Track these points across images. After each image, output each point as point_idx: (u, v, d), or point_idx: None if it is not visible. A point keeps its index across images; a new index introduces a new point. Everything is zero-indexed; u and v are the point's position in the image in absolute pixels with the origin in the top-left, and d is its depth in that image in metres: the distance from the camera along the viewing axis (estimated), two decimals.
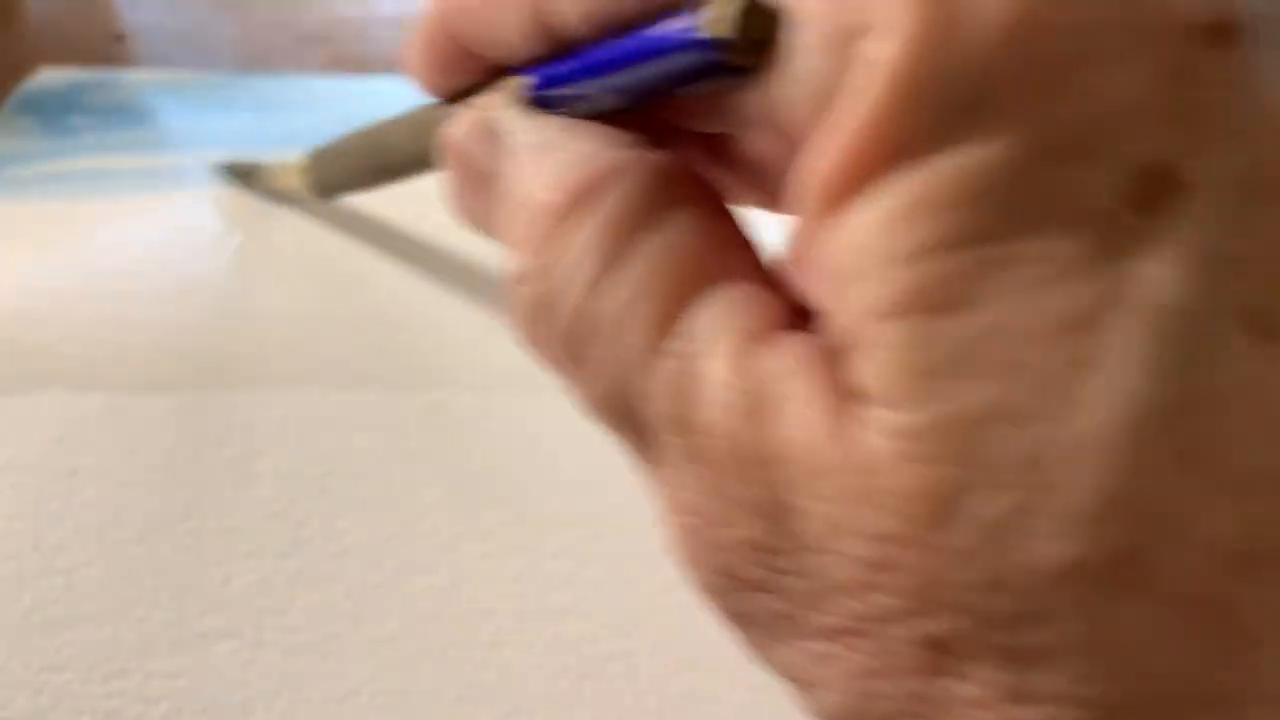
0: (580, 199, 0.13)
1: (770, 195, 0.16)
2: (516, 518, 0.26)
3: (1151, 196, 0.10)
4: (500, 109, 0.15)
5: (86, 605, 0.24)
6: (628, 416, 0.13)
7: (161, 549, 0.25)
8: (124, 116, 0.38)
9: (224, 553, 0.25)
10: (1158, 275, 0.10)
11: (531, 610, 0.24)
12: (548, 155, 0.14)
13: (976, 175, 0.10)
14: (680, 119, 0.14)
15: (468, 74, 0.16)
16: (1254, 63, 0.10)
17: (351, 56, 0.42)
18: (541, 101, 0.15)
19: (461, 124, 0.16)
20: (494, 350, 0.29)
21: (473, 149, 0.16)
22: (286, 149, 0.32)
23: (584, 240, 0.13)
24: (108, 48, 0.44)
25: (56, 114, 0.38)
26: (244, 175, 0.34)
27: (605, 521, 0.26)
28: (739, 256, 0.13)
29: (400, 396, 0.28)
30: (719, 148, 0.16)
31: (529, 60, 0.15)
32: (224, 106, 0.38)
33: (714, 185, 0.14)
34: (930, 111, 0.10)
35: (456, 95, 0.17)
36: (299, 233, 0.33)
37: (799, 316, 0.13)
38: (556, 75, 0.15)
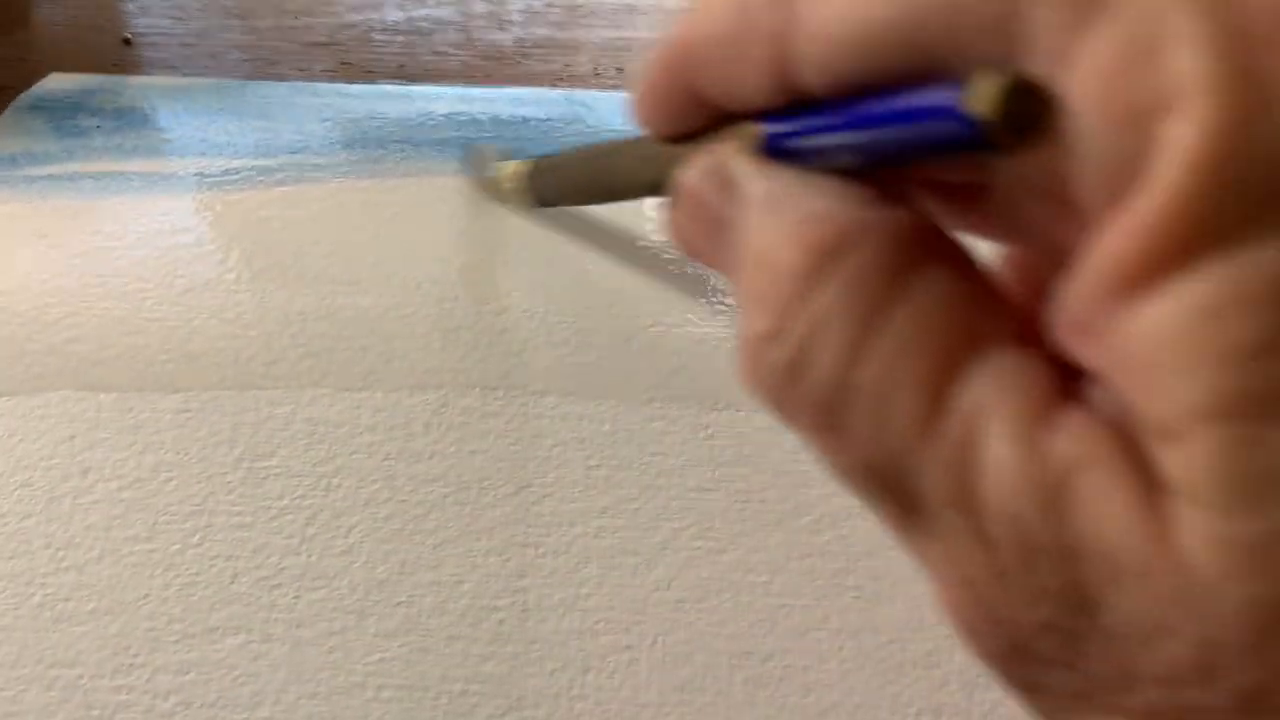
0: (826, 258, 0.13)
1: (1025, 247, 0.15)
2: (519, 515, 0.26)
3: None
4: (734, 156, 0.15)
5: (96, 601, 0.24)
6: (893, 489, 0.13)
7: (170, 546, 0.25)
8: (132, 121, 0.38)
9: (232, 549, 0.25)
10: None
11: (534, 605, 0.24)
12: (785, 209, 0.14)
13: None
14: (927, 170, 0.14)
15: (693, 118, 0.16)
16: None
17: (358, 63, 0.42)
18: (775, 152, 0.15)
19: (696, 167, 0.16)
20: (498, 350, 0.30)
21: (706, 194, 0.15)
22: (293, 156, 0.32)
23: (833, 303, 0.13)
24: (115, 53, 0.44)
25: (66, 116, 0.39)
26: (478, 160, 0.34)
27: (606, 519, 0.26)
28: (999, 318, 0.13)
29: (405, 396, 0.28)
30: (965, 195, 0.15)
31: (765, 111, 0.15)
32: (231, 113, 0.38)
33: (961, 243, 0.14)
34: (1241, 199, 0.10)
35: (682, 136, 0.17)
36: (301, 234, 0.33)
37: (1065, 382, 0.12)
38: (794, 128, 0.14)
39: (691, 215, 0.16)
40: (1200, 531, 0.10)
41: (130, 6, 0.48)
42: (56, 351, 0.30)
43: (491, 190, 0.33)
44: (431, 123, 0.36)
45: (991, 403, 0.12)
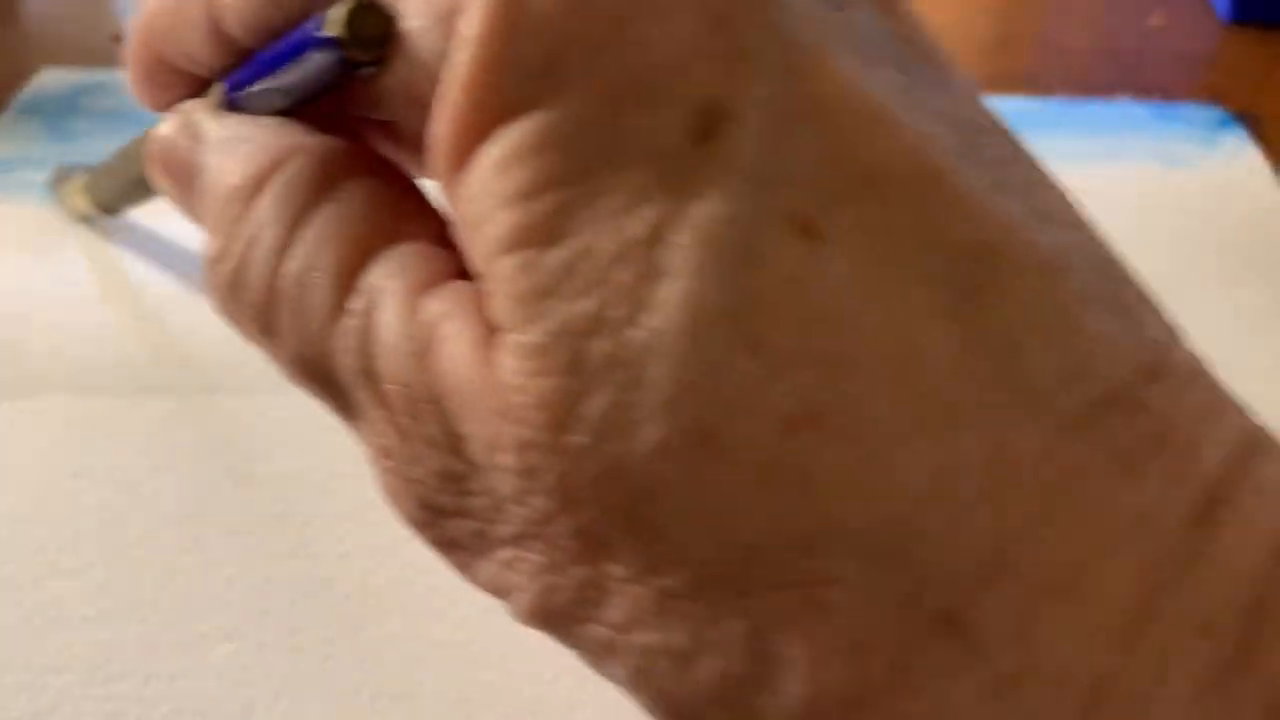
0: (260, 177, 0.15)
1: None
2: None
3: (706, 129, 0.12)
4: (197, 111, 0.17)
5: (88, 607, 0.24)
6: (322, 378, 0.14)
7: (163, 551, 0.25)
8: (125, 120, 0.38)
9: (226, 555, 0.25)
10: (712, 193, 0.11)
11: None
12: (236, 146, 0.15)
13: (560, 124, 0.12)
14: (352, 108, 0.15)
15: (181, 88, 0.18)
16: (785, 4, 0.12)
17: None
18: (235, 104, 0.16)
19: (164, 126, 0.17)
20: None
21: (174, 147, 0.17)
22: None
23: (263, 215, 0.15)
24: (106, 49, 0.44)
25: (59, 118, 0.38)
26: (59, 185, 0.34)
27: None
28: (416, 220, 0.15)
29: None
30: (392, 129, 0.17)
31: (224, 69, 0.16)
32: None
33: (392, 161, 0.16)
34: (514, 74, 0.12)
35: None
36: None
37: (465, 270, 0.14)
38: (238, 80, 0.16)
39: (166, 171, 0.17)
40: (507, 349, 0.12)
41: (120, 3, 0.48)
42: (48, 355, 0.30)
43: (70, 210, 0.33)
44: None
45: (388, 284, 0.14)
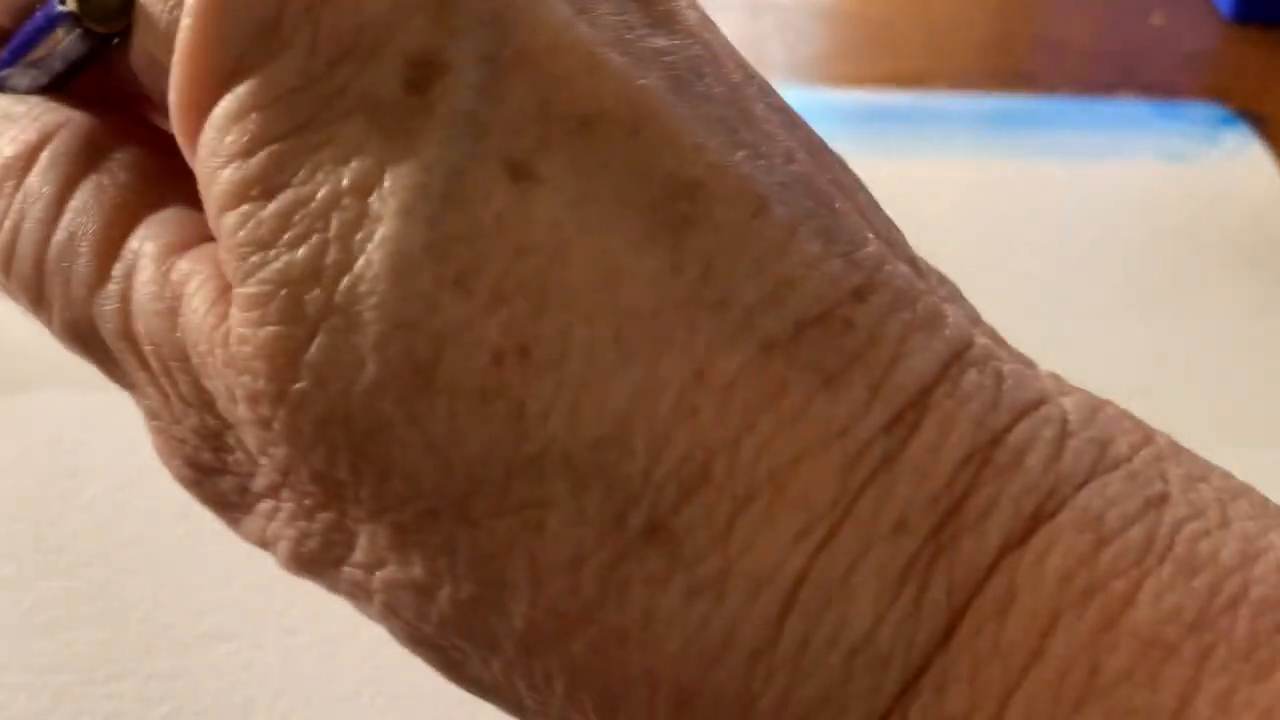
0: (28, 155, 0.15)
1: None
2: None
3: (421, 80, 0.12)
4: None
5: (86, 606, 0.24)
6: (91, 345, 0.15)
7: (161, 550, 0.25)
8: None
9: (223, 554, 0.25)
10: (424, 142, 0.12)
11: None
12: (4, 125, 0.16)
13: (277, 83, 0.12)
14: (113, 82, 0.16)
15: None
16: None
17: None
18: (4, 85, 0.17)
19: None
20: None
21: None
22: None
23: (32, 188, 0.15)
24: None
25: None
26: None
27: None
28: (180, 186, 0.15)
29: None
30: (153, 99, 0.17)
31: None
32: None
33: (160, 130, 0.16)
34: (233, 39, 0.12)
35: None
36: None
37: None
38: None
39: None
40: (235, 303, 0.12)
41: None
42: (43, 351, 0.30)
43: None
44: None
45: (147, 248, 0.14)
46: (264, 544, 0.14)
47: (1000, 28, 0.49)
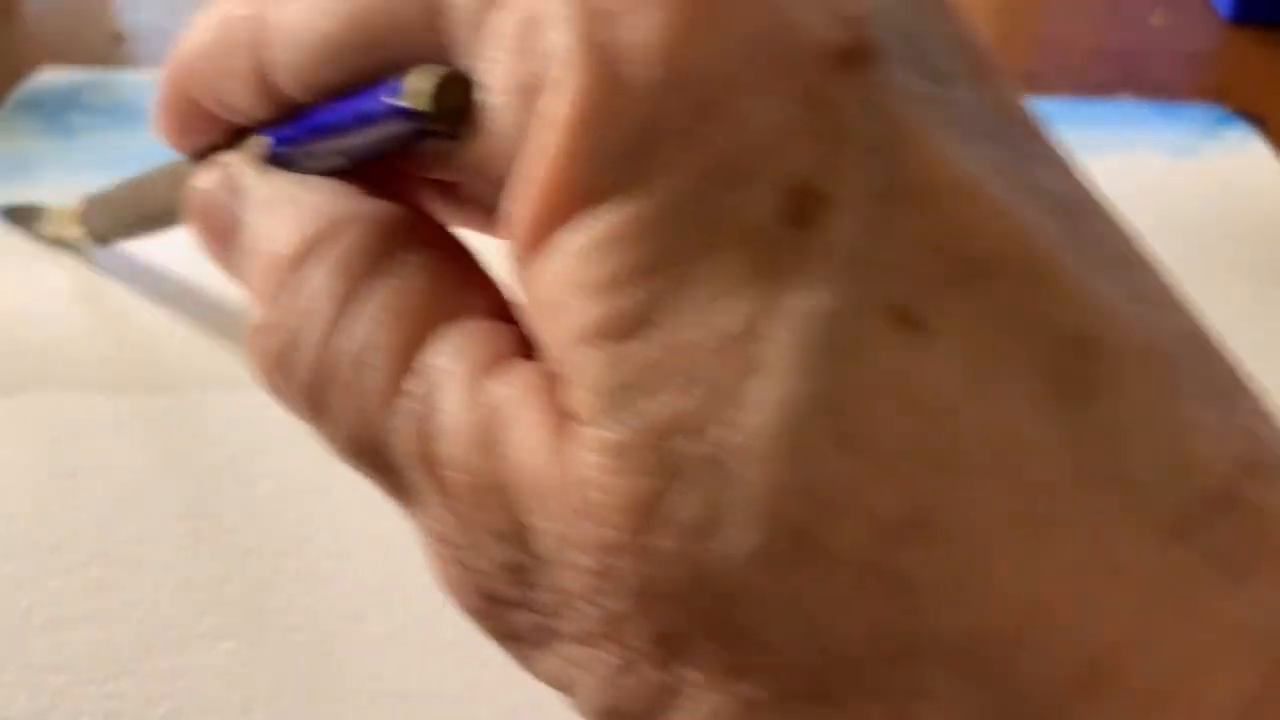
0: (313, 247, 0.14)
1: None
2: None
3: (802, 213, 0.11)
4: (240, 164, 0.16)
5: (86, 605, 0.24)
6: (376, 460, 0.14)
7: (160, 549, 0.25)
8: (123, 117, 0.38)
9: (223, 552, 0.25)
10: (808, 283, 0.11)
11: None
12: (282, 208, 0.15)
13: (649, 210, 0.11)
14: (410, 169, 0.15)
15: (211, 133, 0.17)
16: (885, 81, 0.11)
17: None
18: (279, 160, 0.16)
19: (204, 178, 0.16)
20: None
21: (215, 202, 0.16)
22: None
23: (316, 287, 0.14)
24: (106, 48, 0.44)
25: (57, 115, 0.38)
26: (25, 219, 0.33)
27: None
28: (476, 295, 0.14)
29: None
30: (453, 191, 0.16)
31: (267, 120, 0.16)
32: None
33: (449, 229, 0.15)
34: (602, 158, 0.11)
35: (205, 152, 0.17)
36: None
37: (533, 348, 0.13)
38: (287, 136, 0.15)
39: (205, 225, 0.16)
40: (586, 444, 0.11)
41: (121, 1, 0.48)
42: (44, 351, 0.30)
43: (57, 240, 0.32)
44: None
45: (450, 364, 0.13)
46: (561, 686, 0.13)
47: (1000, 28, 0.49)
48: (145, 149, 0.37)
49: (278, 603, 0.24)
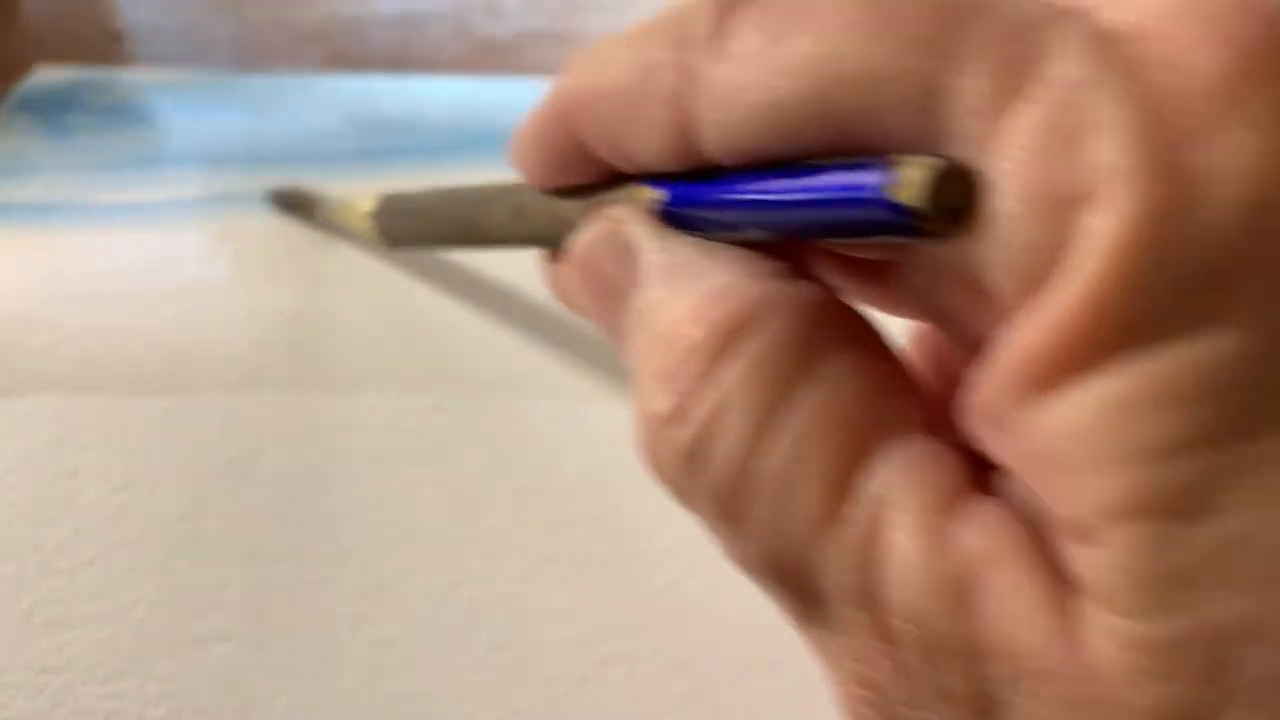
0: (731, 336, 0.12)
1: (936, 329, 0.15)
2: (516, 519, 0.26)
3: None
4: (632, 222, 0.14)
5: (86, 607, 0.24)
6: (795, 583, 0.12)
7: (160, 551, 0.25)
8: (121, 116, 0.38)
9: (223, 554, 0.25)
10: None
11: (531, 612, 0.24)
12: (688, 282, 0.13)
13: (1218, 366, 0.09)
14: (848, 251, 0.13)
15: (582, 175, 0.15)
16: None
17: (349, 55, 0.42)
18: (673, 217, 0.14)
19: (592, 233, 0.15)
20: (493, 351, 0.29)
21: (603, 261, 0.15)
22: (285, 148, 0.32)
23: (735, 385, 0.12)
24: (105, 46, 0.44)
25: (55, 114, 0.38)
26: (299, 206, 0.33)
27: (605, 524, 0.26)
28: (908, 404, 0.13)
29: (399, 398, 0.28)
30: (874, 271, 0.15)
31: (665, 176, 0.14)
32: (222, 106, 0.37)
33: (870, 322, 0.13)
34: (1160, 294, 0.10)
35: (565, 191, 0.16)
36: (293, 234, 0.33)
37: (976, 472, 0.12)
38: (696, 197, 0.13)
39: (586, 281, 0.15)
40: (1109, 633, 0.10)
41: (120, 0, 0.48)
42: (44, 353, 0.30)
43: (332, 229, 0.32)
44: (435, 117, 0.36)
45: (898, 495, 0.12)
46: None
47: None
48: (144, 149, 0.37)
49: (277, 605, 0.24)
